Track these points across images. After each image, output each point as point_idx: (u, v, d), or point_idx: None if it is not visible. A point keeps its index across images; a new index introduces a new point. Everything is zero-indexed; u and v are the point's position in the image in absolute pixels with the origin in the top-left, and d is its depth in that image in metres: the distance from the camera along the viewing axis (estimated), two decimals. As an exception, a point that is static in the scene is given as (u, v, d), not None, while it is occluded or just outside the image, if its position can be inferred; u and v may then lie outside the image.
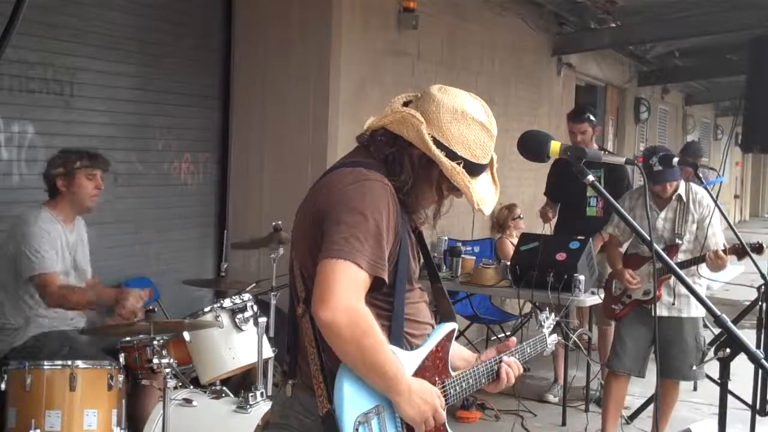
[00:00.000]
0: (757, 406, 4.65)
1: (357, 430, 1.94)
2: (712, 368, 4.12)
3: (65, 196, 4.00)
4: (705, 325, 5.14)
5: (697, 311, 4.71)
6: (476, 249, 7.15)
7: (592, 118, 6.11)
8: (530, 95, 9.28)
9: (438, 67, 7.29)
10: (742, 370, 5.31)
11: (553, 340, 2.66)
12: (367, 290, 1.97)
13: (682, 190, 4.73)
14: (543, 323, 2.67)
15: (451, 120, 2.07)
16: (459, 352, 2.35)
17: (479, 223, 8.08)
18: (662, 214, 4.73)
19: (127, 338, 3.89)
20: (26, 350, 3.81)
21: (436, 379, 2.13)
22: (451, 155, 2.06)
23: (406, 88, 6.76)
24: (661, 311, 4.69)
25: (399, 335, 2.06)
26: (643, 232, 2.34)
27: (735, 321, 5.85)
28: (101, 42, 5.18)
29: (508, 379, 2.32)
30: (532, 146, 2.20)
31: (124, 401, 3.75)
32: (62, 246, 3.97)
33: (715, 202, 4.55)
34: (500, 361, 2.32)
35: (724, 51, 11.42)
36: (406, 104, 2.16)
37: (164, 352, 3.62)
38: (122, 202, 5.33)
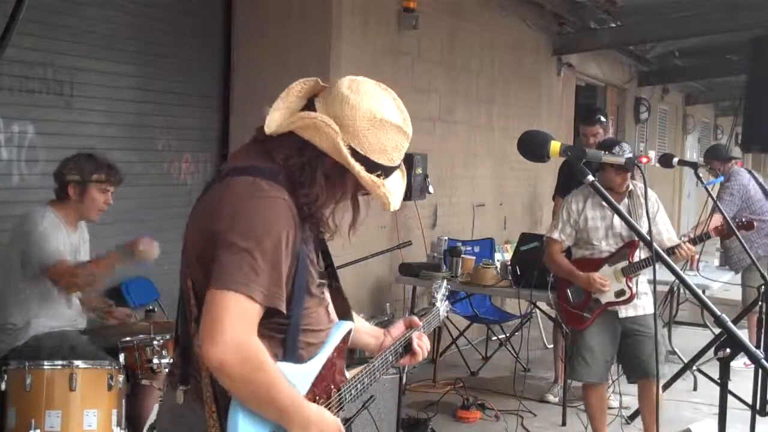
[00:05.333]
0: (757, 406, 4.64)
1: None
2: (712, 368, 4.12)
3: (73, 203, 3.97)
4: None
5: (652, 307, 4.64)
6: (476, 249, 7.15)
7: (603, 119, 6.11)
8: (530, 95, 9.28)
9: (438, 67, 7.30)
10: (742, 370, 5.32)
11: (444, 309, 2.73)
12: (266, 314, 1.88)
13: (631, 187, 4.64)
14: (436, 295, 2.71)
15: (368, 128, 1.94)
16: (366, 330, 2.42)
17: (479, 222, 8.08)
18: None
19: (127, 338, 3.88)
20: (26, 350, 3.81)
21: (332, 387, 2.09)
22: (370, 165, 1.96)
23: (406, 88, 6.79)
24: (628, 311, 4.64)
25: (294, 348, 1.98)
26: (644, 233, 2.35)
27: (735, 321, 5.85)
28: (101, 42, 5.18)
29: (423, 352, 2.43)
30: (532, 146, 2.19)
31: (124, 401, 3.75)
32: (65, 247, 3.97)
33: (715, 201, 4.54)
34: (410, 339, 2.42)
35: (724, 51, 11.42)
36: (310, 100, 2.01)
37: (164, 352, 3.62)
38: (123, 202, 5.33)
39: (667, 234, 4.69)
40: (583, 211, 4.64)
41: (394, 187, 2.05)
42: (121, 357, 3.76)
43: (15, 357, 3.71)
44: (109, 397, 3.65)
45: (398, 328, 2.45)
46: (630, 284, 4.57)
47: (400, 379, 4.45)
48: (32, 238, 3.83)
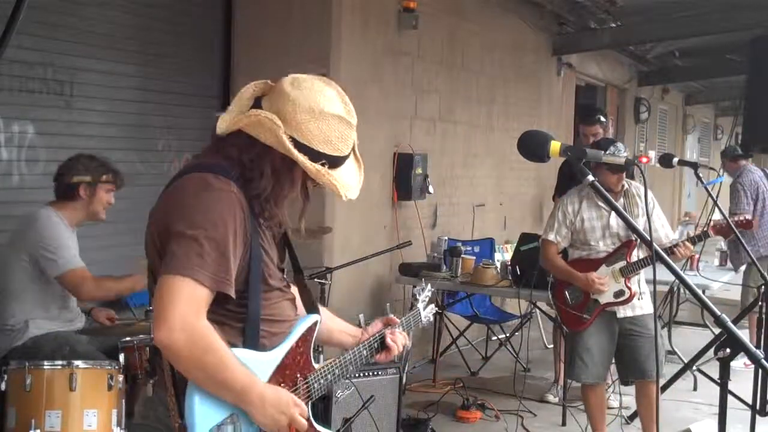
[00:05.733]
0: (757, 406, 4.64)
1: None
2: (713, 368, 4.13)
3: (83, 204, 3.99)
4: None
5: (650, 307, 4.66)
6: (476, 249, 7.15)
7: (602, 119, 6.10)
8: (530, 95, 9.28)
9: (438, 67, 7.30)
10: (742, 370, 5.32)
11: (428, 312, 2.73)
12: (219, 301, 1.96)
13: (626, 186, 4.62)
14: (418, 297, 2.72)
15: (309, 120, 2.02)
16: (345, 329, 2.47)
17: (479, 222, 8.09)
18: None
19: (127, 338, 3.88)
20: (26, 350, 3.81)
21: (298, 375, 2.13)
22: (314, 155, 2.03)
23: (406, 88, 6.79)
24: (626, 311, 4.62)
25: (254, 337, 2.04)
26: (643, 233, 2.36)
27: (735, 321, 5.86)
28: (101, 42, 5.18)
29: (397, 346, 2.45)
30: (532, 146, 2.20)
31: (124, 401, 3.74)
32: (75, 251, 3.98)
33: (715, 201, 4.54)
34: (384, 335, 2.45)
35: (724, 51, 11.42)
36: (258, 99, 2.11)
37: (164, 352, 3.61)
38: (122, 202, 5.33)
39: (663, 230, 4.69)
40: (579, 212, 4.62)
41: (347, 177, 2.12)
42: (121, 357, 3.75)
43: (15, 357, 3.72)
44: (109, 397, 3.64)
45: (376, 326, 2.50)
46: (629, 284, 4.56)
47: (400, 379, 4.44)
48: (42, 242, 3.83)
